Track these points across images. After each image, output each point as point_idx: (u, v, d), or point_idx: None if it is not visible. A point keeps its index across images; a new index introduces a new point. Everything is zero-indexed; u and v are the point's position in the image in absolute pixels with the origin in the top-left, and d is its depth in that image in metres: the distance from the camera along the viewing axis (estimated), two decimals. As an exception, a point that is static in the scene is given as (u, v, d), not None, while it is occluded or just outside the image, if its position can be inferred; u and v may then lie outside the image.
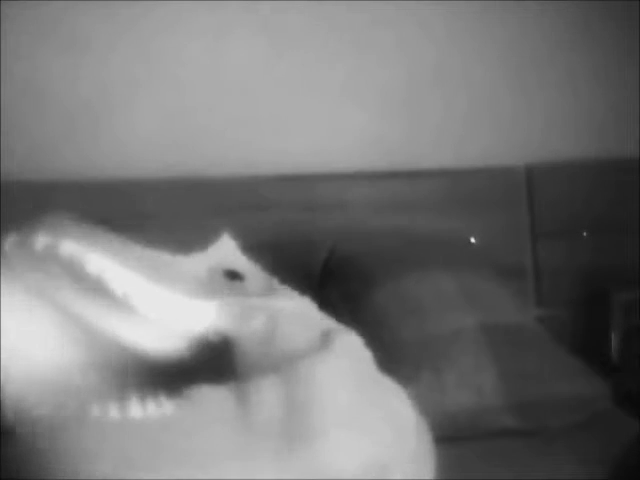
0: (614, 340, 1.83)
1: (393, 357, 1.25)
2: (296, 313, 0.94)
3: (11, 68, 1.74)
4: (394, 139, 1.95)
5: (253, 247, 1.08)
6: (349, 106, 1.93)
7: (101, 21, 1.79)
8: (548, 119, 2.03)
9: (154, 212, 1.73)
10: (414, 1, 1.92)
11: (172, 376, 0.86)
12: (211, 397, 0.79)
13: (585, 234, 1.96)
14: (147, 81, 1.83)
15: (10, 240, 0.79)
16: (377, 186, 1.89)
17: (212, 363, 0.86)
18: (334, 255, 1.70)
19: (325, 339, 0.90)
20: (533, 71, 2.02)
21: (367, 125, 1.94)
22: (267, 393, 0.80)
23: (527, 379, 1.43)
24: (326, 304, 1.07)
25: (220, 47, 1.86)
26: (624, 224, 1.94)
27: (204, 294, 0.89)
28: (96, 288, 0.83)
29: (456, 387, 1.38)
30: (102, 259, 0.81)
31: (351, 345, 0.92)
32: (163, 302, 0.85)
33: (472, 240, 1.89)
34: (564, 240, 1.95)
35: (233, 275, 0.99)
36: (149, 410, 0.76)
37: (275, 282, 1.02)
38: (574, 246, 1.95)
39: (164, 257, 0.93)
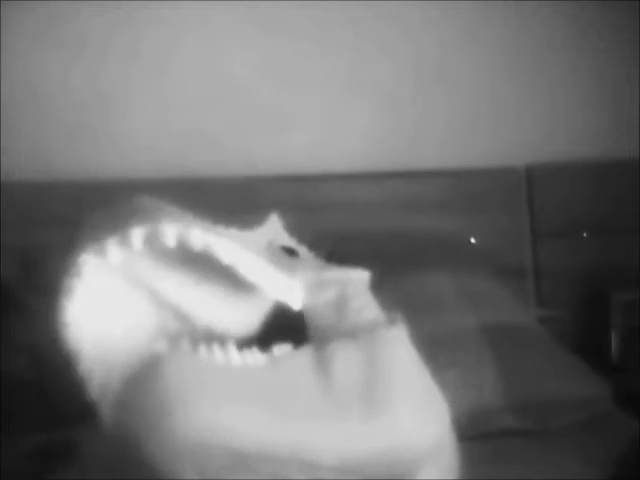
0: (614, 340, 1.82)
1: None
2: (363, 287, 0.97)
3: (10, 68, 1.74)
4: (396, 139, 1.95)
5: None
6: (350, 106, 1.92)
7: (99, 21, 1.79)
8: (549, 120, 2.03)
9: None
10: (417, 1, 1.92)
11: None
12: (294, 357, 0.83)
13: (585, 235, 1.95)
14: (145, 81, 1.83)
15: (138, 234, 0.81)
16: (377, 186, 1.89)
17: (287, 330, 0.89)
18: (334, 256, 1.70)
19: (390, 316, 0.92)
20: (534, 72, 2.02)
21: (369, 125, 1.93)
22: (345, 358, 0.82)
23: (528, 379, 1.43)
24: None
25: (218, 44, 1.86)
26: (624, 225, 1.94)
27: (277, 267, 0.93)
28: (226, 274, 0.87)
29: (457, 387, 1.38)
30: (230, 246, 0.85)
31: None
32: (272, 278, 0.90)
33: (472, 240, 1.89)
34: (564, 241, 1.95)
35: (290, 251, 1.05)
36: (246, 359, 0.80)
37: (322, 260, 1.05)
38: (574, 247, 1.95)
39: (240, 233, 0.97)
